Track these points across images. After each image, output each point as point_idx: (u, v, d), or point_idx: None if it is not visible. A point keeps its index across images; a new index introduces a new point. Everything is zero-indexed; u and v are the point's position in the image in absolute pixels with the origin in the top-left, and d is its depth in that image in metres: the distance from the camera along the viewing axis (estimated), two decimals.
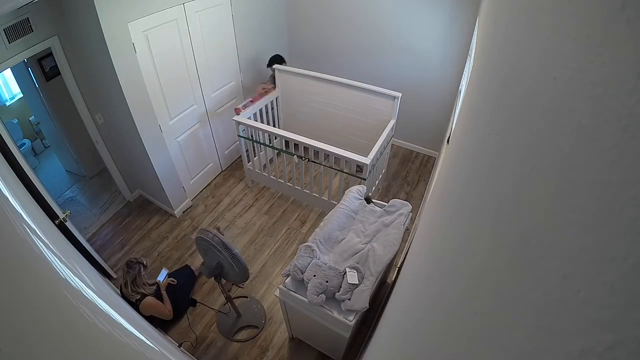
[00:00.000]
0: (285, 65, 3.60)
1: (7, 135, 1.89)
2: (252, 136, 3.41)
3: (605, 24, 0.25)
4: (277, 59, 3.66)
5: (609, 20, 0.24)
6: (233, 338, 2.54)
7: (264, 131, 3.27)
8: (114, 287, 2.60)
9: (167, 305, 2.45)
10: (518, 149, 0.42)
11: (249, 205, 3.57)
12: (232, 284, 2.71)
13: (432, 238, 1.01)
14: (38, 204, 1.87)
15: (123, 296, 2.35)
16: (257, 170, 3.62)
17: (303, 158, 3.08)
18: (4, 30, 2.17)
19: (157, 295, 2.44)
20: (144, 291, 2.38)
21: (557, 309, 0.26)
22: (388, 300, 1.98)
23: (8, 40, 2.22)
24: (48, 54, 2.73)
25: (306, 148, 3.01)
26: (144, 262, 2.43)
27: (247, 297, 2.78)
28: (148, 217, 3.46)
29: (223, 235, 2.08)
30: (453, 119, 2.32)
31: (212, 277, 2.17)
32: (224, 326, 2.59)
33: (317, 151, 2.96)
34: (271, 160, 3.64)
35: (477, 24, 2.21)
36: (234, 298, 2.58)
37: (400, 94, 3.12)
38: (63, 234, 2.06)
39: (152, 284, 2.49)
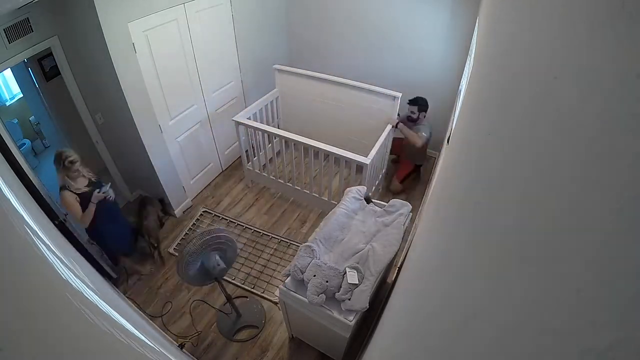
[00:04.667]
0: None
1: (7, 135, 1.89)
2: (251, 138, 3.41)
3: (605, 24, 0.25)
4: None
5: (609, 20, 0.24)
6: (233, 338, 2.54)
7: (263, 131, 3.27)
8: (115, 287, 2.60)
9: (87, 215, 2.35)
10: (518, 148, 0.42)
11: (249, 205, 3.57)
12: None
13: (432, 238, 1.01)
14: (38, 204, 1.87)
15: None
16: (257, 170, 3.61)
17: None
18: (4, 30, 2.17)
19: (84, 198, 2.34)
20: (77, 186, 2.32)
21: (557, 309, 0.26)
22: (388, 300, 1.98)
23: (8, 40, 2.22)
24: (48, 54, 2.72)
25: (306, 148, 3.01)
26: (71, 158, 2.26)
27: (247, 297, 2.78)
28: None
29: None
30: (453, 119, 2.32)
31: (213, 277, 2.18)
32: (224, 326, 2.59)
33: (317, 151, 2.96)
34: (271, 160, 3.64)
35: (477, 24, 2.21)
36: (234, 298, 2.58)
37: (400, 94, 3.12)
38: (63, 234, 2.06)
39: (88, 186, 2.39)
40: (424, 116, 3.25)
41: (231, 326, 2.58)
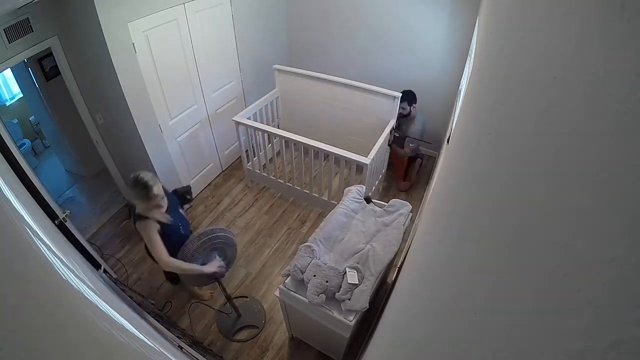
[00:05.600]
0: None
1: (7, 135, 1.89)
2: (251, 138, 3.41)
3: (605, 24, 0.25)
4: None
5: (609, 20, 0.24)
6: (233, 338, 2.54)
7: (263, 131, 3.27)
8: (115, 287, 2.59)
9: (182, 266, 1.96)
10: (517, 149, 0.42)
11: (249, 205, 3.57)
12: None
13: (432, 238, 1.01)
14: (38, 204, 1.87)
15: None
16: (257, 170, 3.61)
17: None
18: (4, 30, 2.17)
19: (166, 232, 1.97)
20: (155, 216, 1.92)
21: (557, 309, 0.26)
22: (388, 300, 1.98)
23: (8, 40, 2.22)
24: (48, 54, 2.72)
25: (306, 148, 3.01)
26: (150, 184, 1.83)
27: (247, 297, 2.78)
28: None
29: None
30: (453, 119, 2.31)
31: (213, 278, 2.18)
32: (224, 326, 2.59)
33: (317, 151, 2.96)
34: (271, 160, 3.63)
35: (477, 24, 2.21)
36: (234, 298, 2.58)
37: (400, 94, 3.12)
38: (63, 234, 2.06)
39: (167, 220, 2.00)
40: (415, 108, 3.34)
41: (231, 326, 2.58)
